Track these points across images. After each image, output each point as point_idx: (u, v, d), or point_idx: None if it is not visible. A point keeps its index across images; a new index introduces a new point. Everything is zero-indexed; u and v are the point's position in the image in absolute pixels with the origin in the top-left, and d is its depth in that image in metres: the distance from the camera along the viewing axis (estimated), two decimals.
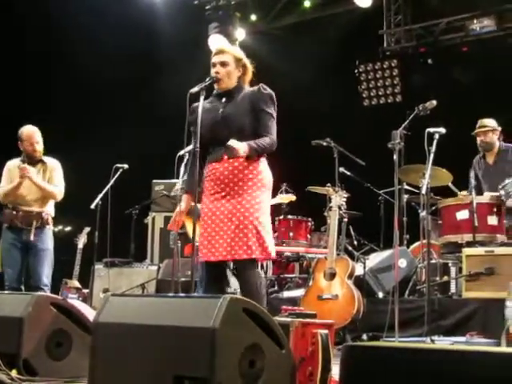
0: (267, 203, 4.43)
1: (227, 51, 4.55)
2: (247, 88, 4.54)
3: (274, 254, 4.41)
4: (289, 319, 3.40)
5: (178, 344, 2.97)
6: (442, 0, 9.81)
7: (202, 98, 4.42)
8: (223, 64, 4.47)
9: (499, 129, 7.64)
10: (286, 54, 10.79)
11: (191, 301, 3.27)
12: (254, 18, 11.70)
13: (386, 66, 10.20)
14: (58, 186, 6.57)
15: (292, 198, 7.92)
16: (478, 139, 7.66)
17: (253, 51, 10.79)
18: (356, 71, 10.47)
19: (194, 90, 4.40)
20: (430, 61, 9.94)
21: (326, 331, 3.38)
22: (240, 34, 11.49)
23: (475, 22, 9.53)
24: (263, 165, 4.44)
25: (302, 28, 11.23)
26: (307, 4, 11.10)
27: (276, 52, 10.92)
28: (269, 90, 4.46)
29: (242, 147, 4.18)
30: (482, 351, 2.10)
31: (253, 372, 2.99)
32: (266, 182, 4.43)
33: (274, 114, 4.46)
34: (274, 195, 7.94)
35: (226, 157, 4.34)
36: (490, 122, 7.66)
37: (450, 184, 7.38)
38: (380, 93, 10.34)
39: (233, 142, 4.16)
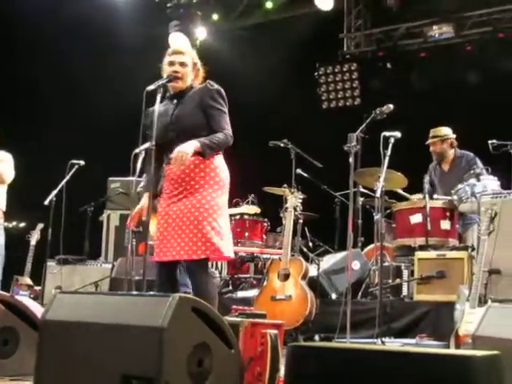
0: (223, 202, 4.42)
1: (187, 52, 4.57)
2: (200, 86, 4.53)
3: (228, 254, 4.41)
4: (238, 319, 3.41)
5: (126, 343, 2.95)
6: (402, 6, 9.89)
7: (158, 96, 4.41)
8: (182, 64, 4.48)
9: (453, 136, 7.73)
10: (248, 54, 10.79)
11: (141, 299, 3.25)
12: (215, 17, 11.68)
13: (345, 70, 10.29)
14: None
15: (257, 210, 7.95)
16: (431, 148, 7.77)
17: (214, 50, 10.83)
18: (316, 73, 10.52)
19: (151, 87, 4.39)
20: (388, 65, 10.05)
21: (275, 331, 3.39)
22: (201, 32, 11.46)
23: (434, 28, 9.66)
24: (218, 162, 4.43)
25: (263, 29, 11.25)
26: (269, 5, 11.11)
27: (237, 52, 10.93)
28: (216, 86, 4.46)
29: (188, 150, 4.17)
30: (412, 352, 2.14)
31: (201, 371, 2.99)
32: (222, 180, 4.42)
33: (225, 109, 4.45)
34: (238, 204, 8.03)
35: None
36: (442, 131, 7.76)
37: (399, 190, 7.47)
38: (339, 96, 10.42)
39: (177, 152, 4.14)
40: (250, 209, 7.93)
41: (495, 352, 2.11)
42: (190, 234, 4.23)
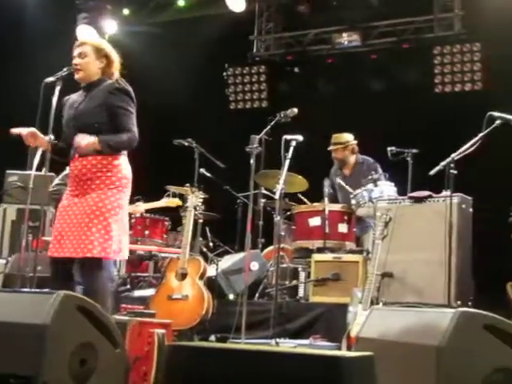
0: (121, 202, 4.36)
1: (86, 42, 4.52)
2: (108, 82, 4.46)
3: (117, 256, 4.37)
4: (126, 318, 3.38)
5: (6, 340, 2.88)
6: (313, 12, 10.03)
7: (57, 88, 4.36)
8: (81, 55, 4.42)
9: (354, 143, 7.88)
10: (158, 51, 10.71)
11: (27, 296, 3.18)
12: (126, 12, 11.53)
13: (254, 72, 10.35)
14: None
15: (179, 202, 7.84)
16: (332, 154, 7.91)
17: (124, 46, 10.67)
18: (224, 74, 10.54)
19: (50, 79, 4.35)
20: (296, 69, 10.17)
21: (163, 331, 3.39)
22: (111, 26, 11.29)
23: (342, 35, 9.84)
24: (119, 162, 4.37)
25: (175, 26, 11.18)
26: (181, 3, 11.05)
27: (148, 48, 10.82)
28: (123, 85, 4.41)
29: (90, 142, 4.13)
30: (282, 352, 2.18)
31: (83, 371, 2.95)
32: (122, 179, 4.37)
33: (131, 109, 4.40)
34: (159, 198, 7.93)
35: (77, 155, 4.30)
36: (344, 138, 7.89)
37: (300, 196, 7.58)
38: (247, 97, 10.47)
39: (80, 138, 4.11)
40: (170, 202, 7.84)
41: (368, 353, 2.17)
42: (88, 232, 4.19)
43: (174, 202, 7.84)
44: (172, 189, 7.76)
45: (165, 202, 7.83)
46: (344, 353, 2.05)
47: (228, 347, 2.50)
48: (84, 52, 4.42)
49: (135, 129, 4.38)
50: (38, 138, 4.35)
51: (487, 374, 2.48)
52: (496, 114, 5.58)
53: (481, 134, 5.61)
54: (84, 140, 4.15)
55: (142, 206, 7.49)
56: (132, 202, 7.23)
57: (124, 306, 3.71)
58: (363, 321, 3.27)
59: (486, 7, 8.65)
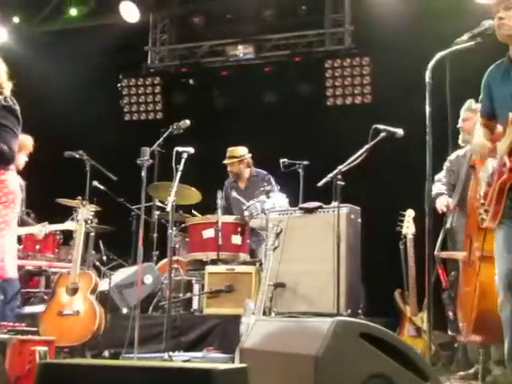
0: (7, 218, 4.24)
1: None
2: None
3: (11, 275, 4.26)
4: (6, 336, 3.28)
5: None
6: (206, 24, 10.08)
7: None
8: None
9: (248, 156, 7.96)
10: (51, 60, 10.47)
11: None
12: (16, 20, 11.23)
13: (148, 83, 10.29)
14: None
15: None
16: (228, 168, 7.96)
17: (15, 55, 10.39)
18: (119, 85, 10.43)
19: None
20: (191, 81, 10.17)
21: (45, 348, 3.30)
22: (1, 34, 10.96)
23: (237, 48, 9.92)
24: (6, 177, 4.26)
25: (68, 36, 10.95)
26: (73, 12, 10.86)
27: (40, 58, 10.56)
28: (10, 104, 4.26)
29: None
30: (153, 367, 2.17)
31: None
32: (8, 195, 4.25)
33: (16, 130, 4.26)
34: (50, 212, 7.64)
35: None
36: (238, 152, 7.95)
37: (193, 211, 7.60)
38: (141, 108, 10.39)
39: None
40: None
41: (241, 365, 2.19)
42: None
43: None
44: (62, 202, 7.58)
45: (73, 225, 7.58)
46: (217, 365, 2.06)
47: (98, 363, 2.48)
48: None
49: (15, 150, 4.26)
50: None
51: (364, 381, 2.55)
52: (381, 126, 5.77)
53: (366, 146, 5.79)
54: None
55: (48, 227, 7.12)
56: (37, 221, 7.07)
57: (4, 323, 3.59)
58: (248, 332, 3.30)
59: (375, 23, 8.91)
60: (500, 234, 3.63)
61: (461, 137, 5.49)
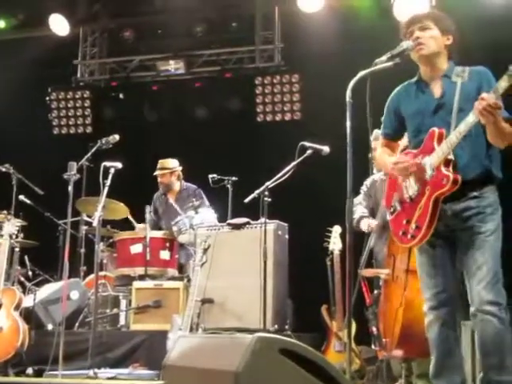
0: None
1: None
2: None
3: None
4: None
5: None
6: (137, 38, 10.05)
7: None
8: None
9: (179, 169, 7.99)
10: None
11: None
12: None
13: (78, 97, 10.16)
14: None
15: None
16: (159, 179, 7.95)
17: None
18: (48, 98, 10.28)
19: None
20: (121, 95, 10.10)
21: None
22: None
23: (169, 62, 9.92)
24: None
25: None
26: (1, 24, 10.68)
27: None
28: None
29: None
30: None
31: None
32: None
33: None
34: None
35: None
36: (170, 163, 7.98)
37: (129, 216, 7.53)
38: (71, 122, 10.24)
39: None
40: None
41: (160, 382, 2.20)
42: None
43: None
44: None
45: None
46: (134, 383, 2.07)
47: (20, 381, 2.45)
48: None
49: None
50: None
51: None
52: (307, 144, 5.87)
53: (293, 163, 5.88)
54: None
55: None
56: None
57: None
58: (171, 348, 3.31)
59: (304, 41, 9.05)
60: (427, 254, 3.72)
61: (375, 165, 5.56)
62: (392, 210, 3.84)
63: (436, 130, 3.56)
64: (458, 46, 3.72)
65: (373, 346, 5.64)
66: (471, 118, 3.38)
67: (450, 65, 3.72)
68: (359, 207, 5.84)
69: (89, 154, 6.76)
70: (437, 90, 3.71)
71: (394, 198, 3.84)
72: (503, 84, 3.25)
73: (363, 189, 5.86)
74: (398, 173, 3.74)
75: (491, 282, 3.46)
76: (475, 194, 3.56)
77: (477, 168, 3.56)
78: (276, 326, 6.25)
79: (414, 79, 3.83)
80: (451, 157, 3.48)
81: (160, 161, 8.01)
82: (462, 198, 3.55)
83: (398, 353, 4.91)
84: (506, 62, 3.17)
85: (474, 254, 3.53)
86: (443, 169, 3.48)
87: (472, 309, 3.53)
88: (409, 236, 3.67)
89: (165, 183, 7.97)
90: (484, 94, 3.30)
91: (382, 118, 3.99)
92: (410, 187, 3.68)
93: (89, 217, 7.62)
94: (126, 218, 7.54)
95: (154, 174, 7.98)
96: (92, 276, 7.43)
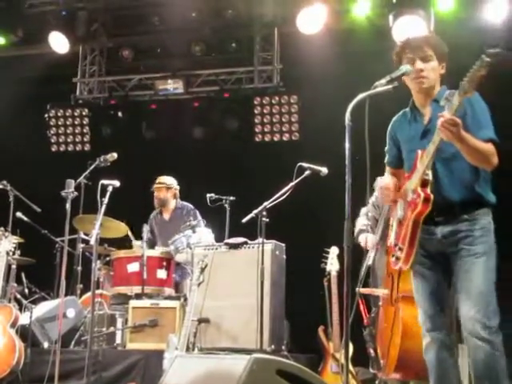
0: None
1: None
2: None
3: None
4: None
5: None
6: (136, 57, 10.09)
7: None
8: None
9: (176, 187, 8.04)
10: None
11: None
12: None
13: (76, 114, 10.18)
14: None
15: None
16: (155, 194, 8.01)
17: None
18: (46, 115, 10.31)
19: None
20: (120, 114, 10.12)
21: None
22: None
23: (167, 82, 9.96)
24: None
25: None
26: (2, 41, 10.72)
27: None
28: None
29: None
30: None
31: None
32: None
33: None
34: None
35: None
36: (167, 180, 8.05)
37: (129, 232, 7.54)
38: (69, 140, 10.26)
39: None
40: None
41: None
42: None
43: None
44: None
45: None
46: None
47: None
48: None
49: None
50: None
51: None
52: (305, 164, 5.89)
53: (291, 184, 5.90)
54: None
55: None
56: None
57: None
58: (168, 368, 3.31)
59: (303, 62, 9.09)
60: (422, 277, 3.74)
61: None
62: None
63: (419, 151, 3.61)
64: (453, 70, 3.76)
65: (370, 369, 5.64)
66: (436, 137, 3.43)
67: (441, 89, 3.76)
68: (361, 219, 5.90)
69: (87, 172, 6.77)
70: (426, 115, 3.77)
71: (391, 221, 3.90)
72: (455, 100, 3.29)
73: (372, 199, 5.92)
74: (383, 202, 3.82)
75: (482, 306, 3.46)
76: (466, 216, 3.59)
77: (462, 190, 3.60)
78: (273, 347, 6.23)
79: (408, 107, 3.88)
80: (428, 177, 3.52)
81: (158, 177, 8.14)
82: (453, 221, 3.58)
83: (396, 376, 4.92)
84: None
85: (464, 277, 3.54)
86: (419, 189, 3.52)
87: (464, 333, 3.53)
88: (394, 259, 3.72)
89: (160, 198, 8.04)
90: (443, 112, 3.34)
91: (386, 148, 4.03)
92: (399, 210, 3.74)
93: (86, 235, 7.63)
94: (124, 235, 7.55)
95: (152, 188, 8.05)
96: (88, 294, 7.43)
